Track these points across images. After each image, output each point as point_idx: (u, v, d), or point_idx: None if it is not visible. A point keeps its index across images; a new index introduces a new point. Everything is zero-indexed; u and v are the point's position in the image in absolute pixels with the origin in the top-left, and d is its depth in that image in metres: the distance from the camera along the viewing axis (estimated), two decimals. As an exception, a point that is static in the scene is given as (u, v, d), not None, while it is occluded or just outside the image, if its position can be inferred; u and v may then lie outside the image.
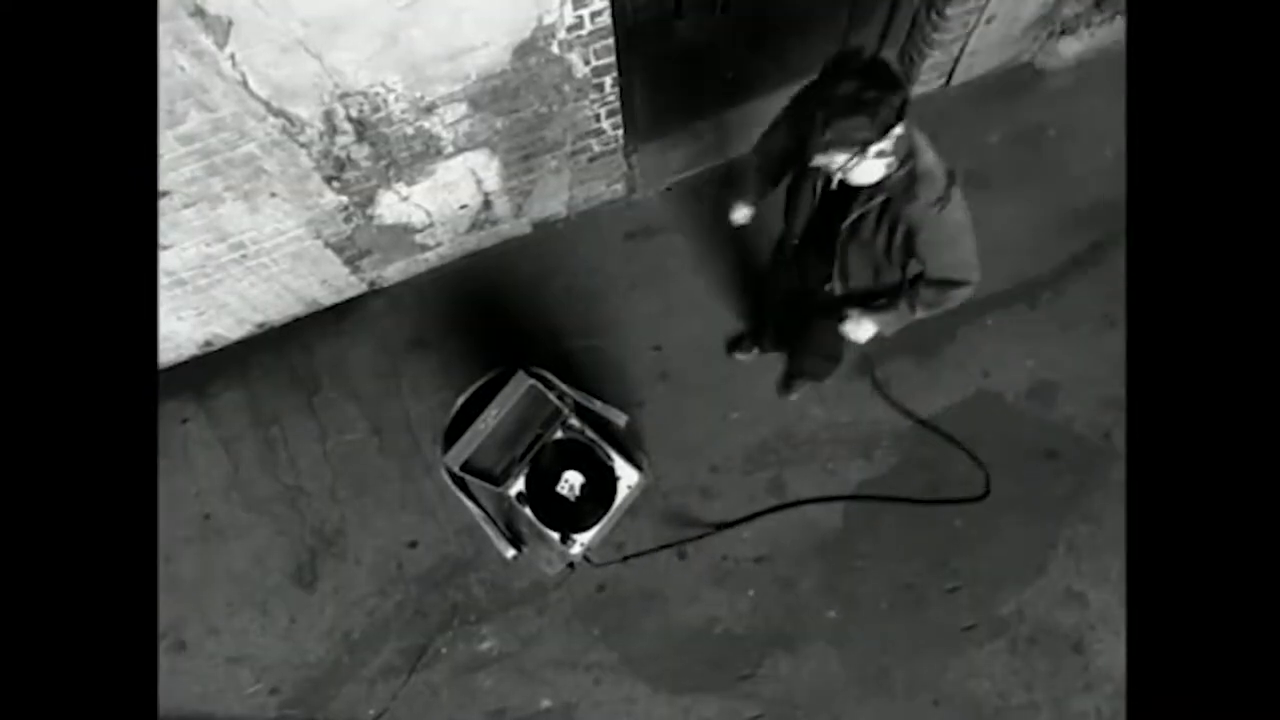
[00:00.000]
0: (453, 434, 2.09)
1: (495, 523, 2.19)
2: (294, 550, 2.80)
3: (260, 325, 3.00)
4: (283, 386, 2.97)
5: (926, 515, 2.70)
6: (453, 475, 2.10)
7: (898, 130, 1.51)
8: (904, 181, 1.61)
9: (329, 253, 2.71)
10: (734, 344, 2.91)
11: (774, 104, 3.13)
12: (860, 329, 1.96)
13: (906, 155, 1.60)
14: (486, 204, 2.79)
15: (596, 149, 2.73)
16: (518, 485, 2.25)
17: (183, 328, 2.78)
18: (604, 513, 2.23)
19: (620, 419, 2.22)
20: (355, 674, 2.68)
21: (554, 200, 2.95)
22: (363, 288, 3.02)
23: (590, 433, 2.29)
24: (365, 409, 2.93)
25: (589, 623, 2.69)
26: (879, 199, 1.66)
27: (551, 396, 2.17)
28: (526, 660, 2.67)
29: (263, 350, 3.01)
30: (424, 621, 2.71)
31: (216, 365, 2.99)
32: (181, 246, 2.35)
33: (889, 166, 1.60)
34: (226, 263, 2.53)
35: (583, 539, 2.23)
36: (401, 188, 2.51)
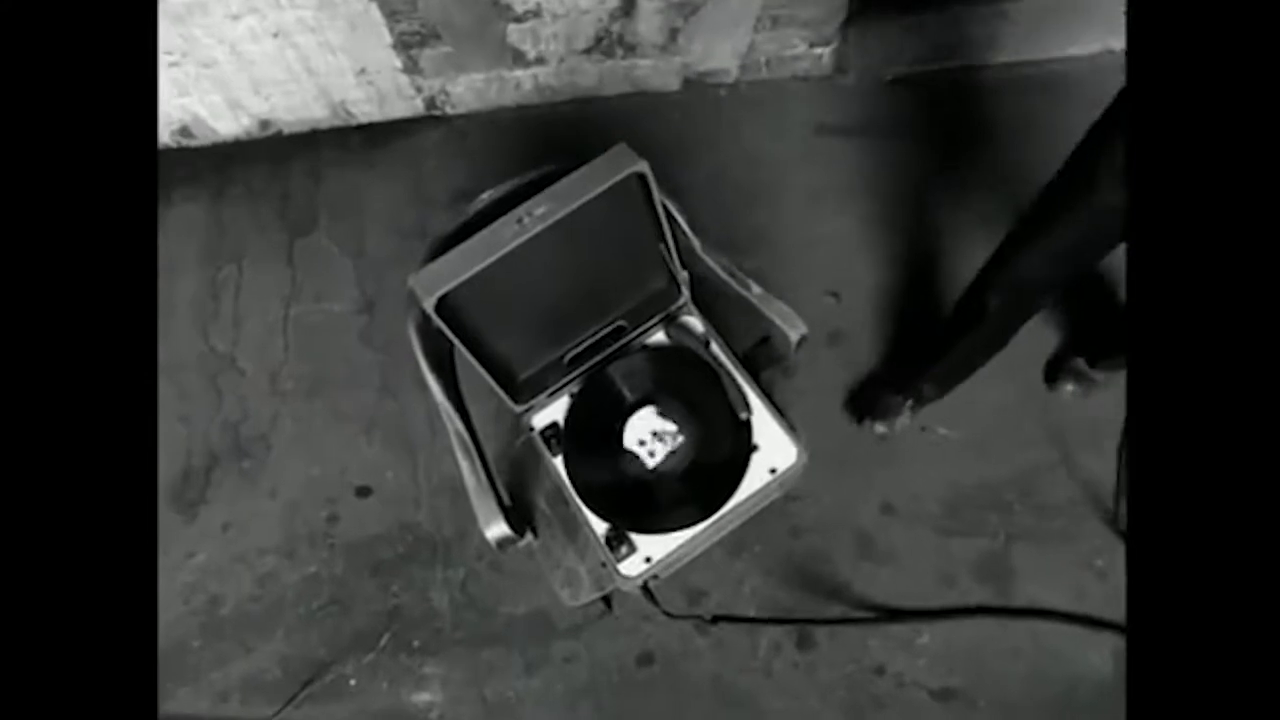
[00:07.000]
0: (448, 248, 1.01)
1: (487, 468, 1.09)
2: (188, 449, 1.77)
3: (263, 125, 2.06)
4: (263, 217, 2.00)
5: None
6: (421, 331, 1.02)
7: None
8: None
9: (378, 16, 1.74)
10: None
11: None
12: None
13: None
14: (628, 6, 1.77)
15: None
16: (550, 410, 1.15)
17: (144, 81, 1.86)
18: (712, 509, 1.10)
19: (795, 331, 1.10)
20: (202, 674, 1.59)
21: (726, 45, 1.91)
22: (417, 106, 2.04)
23: (721, 351, 1.18)
24: (363, 273, 1.91)
25: (608, 714, 1.51)
26: None
27: (667, 233, 1.08)
28: (484, 742, 1.51)
29: (255, 160, 2.06)
30: (339, 622, 1.61)
31: (187, 166, 2.06)
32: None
33: None
34: (215, -27, 1.59)
35: (651, 552, 1.10)
36: (507, -98, 1.53)
